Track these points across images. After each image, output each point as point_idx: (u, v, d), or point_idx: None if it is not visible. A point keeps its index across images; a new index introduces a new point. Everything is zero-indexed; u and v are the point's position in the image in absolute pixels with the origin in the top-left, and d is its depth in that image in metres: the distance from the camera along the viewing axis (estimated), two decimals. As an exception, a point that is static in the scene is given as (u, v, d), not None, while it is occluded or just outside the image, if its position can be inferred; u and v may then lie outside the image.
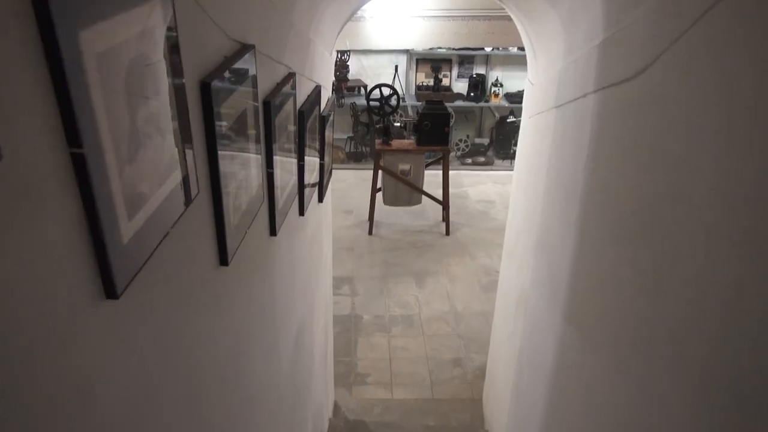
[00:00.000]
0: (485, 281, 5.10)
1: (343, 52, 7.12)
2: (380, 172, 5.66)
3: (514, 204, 2.98)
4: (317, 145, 2.30)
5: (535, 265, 2.32)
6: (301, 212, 2.09)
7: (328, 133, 2.57)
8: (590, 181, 1.61)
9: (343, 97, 7.25)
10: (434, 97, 6.43)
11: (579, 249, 1.68)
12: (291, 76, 1.73)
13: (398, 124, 5.53)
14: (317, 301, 2.70)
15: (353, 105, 7.24)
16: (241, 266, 1.35)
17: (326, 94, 2.56)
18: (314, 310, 2.61)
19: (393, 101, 5.49)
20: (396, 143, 5.63)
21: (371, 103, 5.48)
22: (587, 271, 1.61)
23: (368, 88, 5.52)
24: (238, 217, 1.27)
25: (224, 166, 1.13)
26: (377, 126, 5.52)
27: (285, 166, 1.73)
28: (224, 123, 1.12)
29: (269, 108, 1.48)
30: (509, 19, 4.47)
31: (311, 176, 2.23)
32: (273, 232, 1.65)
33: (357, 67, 7.50)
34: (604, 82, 1.51)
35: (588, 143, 1.63)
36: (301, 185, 2.04)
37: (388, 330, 4.45)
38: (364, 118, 7.35)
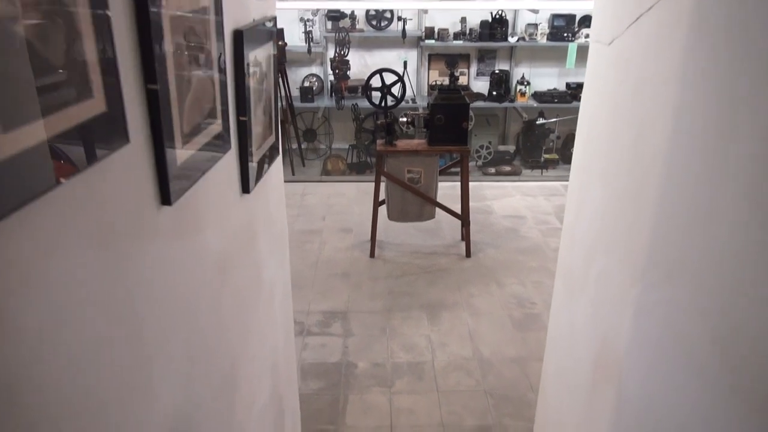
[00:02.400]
0: (518, 316, 3.94)
1: (342, 47, 6.12)
2: (383, 180, 4.58)
3: (577, 202, 1.85)
4: (224, 82, 1.22)
5: (644, 305, 1.18)
6: (166, 199, 1.00)
7: (258, 74, 1.49)
8: None
9: (342, 98, 6.22)
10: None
11: None
12: None
13: (405, 119, 4.46)
14: (248, 370, 1.59)
15: (355, 107, 6.20)
16: None
17: (259, 4, 1.49)
18: (238, 387, 1.49)
19: (398, 91, 4.43)
20: (402, 143, 4.54)
21: (371, 92, 4.43)
22: None
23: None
24: None
25: None
26: (378, 122, 4.45)
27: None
28: None
29: None
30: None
31: (201, 130, 1.14)
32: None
33: (359, 65, 6.49)
34: None
35: None
36: (159, 140, 0.95)
37: (390, 384, 3.31)
38: (368, 124, 6.31)
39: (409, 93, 6.49)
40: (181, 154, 1.04)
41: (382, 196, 4.69)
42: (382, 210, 4.75)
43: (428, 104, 4.45)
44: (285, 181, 6.15)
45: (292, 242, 5.17)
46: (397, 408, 3.13)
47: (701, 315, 0.93)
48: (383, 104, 4.43)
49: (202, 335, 1.22)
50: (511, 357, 3.51)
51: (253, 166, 1.50)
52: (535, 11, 5.91)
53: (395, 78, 4.38)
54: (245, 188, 1.48)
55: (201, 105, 1.13)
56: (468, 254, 4.72)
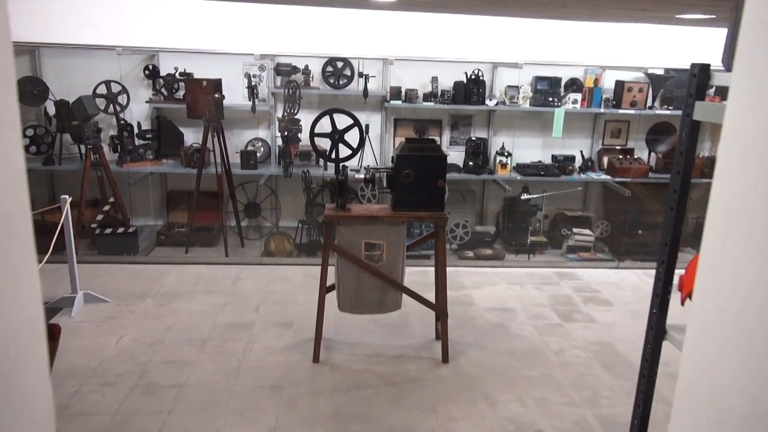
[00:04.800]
0: (522, 452, 2.70)
1: (292, 106, 5.17)
2: (333, 257, 3.44)
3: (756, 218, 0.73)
4: None
5: None
6: None
7: None
8: None
9: (291, 164, 5.18)
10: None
11: None
12: None
13: (361, 176, 3.40)
14: None
15: (305, 175, 5.15)
16: None
17: None
18: None
19: (353, 140, 3.40)
20: (358, 208, 3.46)
21: (316, 138, 3.39)
22: None
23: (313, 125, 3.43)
24: None
25: None
26: (328, 181, 3.39)
27: None
28: None
29: None
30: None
31: None
32: None
33: (314, 128, 5.51)
34: None
35: None
36: None
37: None
38: (322, 198, 5.24)
39: (370, 161, 5.52)
40: None
41: (331, 279, 3.53)
42: (332, 297, 3.57)
43: (393, 157, 3.42)
44: (213, 264, 4.83)
45: (209, 341, 3.92)
46: None
47: None
48: (334, 155, 3.38)
49: None
50: None
51: None
52: (519, 66, 5.12)
53: (351, 122, 3.37)
54: None
55: None
56: (445, 358, 3.52)
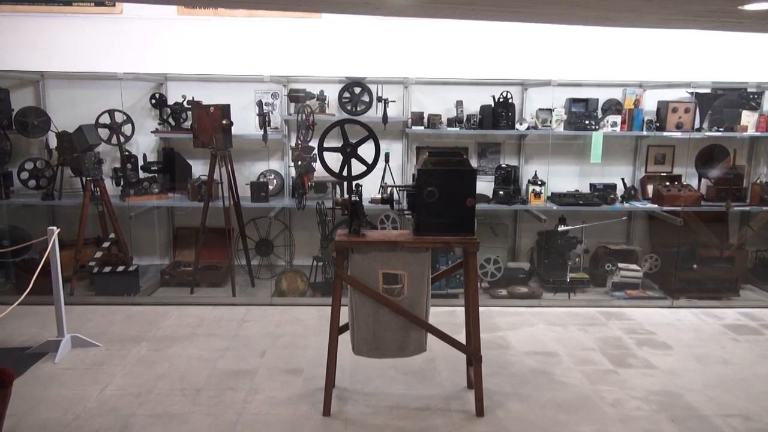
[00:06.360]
0: None
1: (306, 133, 4.80)
2: (346, 290, 2.96)
3: None
4: None
5: None
6: None
7: None
8: None
9: (304, 195, 4.77)
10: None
11: None
12: None
13: (378, 196, 2.96)
14: None
15: (320, 207, 4.73)
16: None
17: None
18: None
19: (367, 155, 2.98)
20: (375, 234, 3.00)
21: (326, 153, 2.98)
22: None
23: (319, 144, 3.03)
24: None
25: None
26: (339, 201, 2.95)
27: None
28: None
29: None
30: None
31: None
32: None
33: (327, 156, 5.12)
34: None
35: None
36: None
37: None
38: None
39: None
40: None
41: (345, 317, 3.03)
42: (347, 339, 3.07)
43: (414, 172, 2.98)
44: (219, 305, 4.31)
45: (205, 390, 3.14)
46: None
47: None
48: (344, 172, 2.95)
49: None
50: None
51: None
52: (550, 84, 4.70)
53: (365, 134, 2.96)
54: None
55: None
56: (480, 411, 2.96)
